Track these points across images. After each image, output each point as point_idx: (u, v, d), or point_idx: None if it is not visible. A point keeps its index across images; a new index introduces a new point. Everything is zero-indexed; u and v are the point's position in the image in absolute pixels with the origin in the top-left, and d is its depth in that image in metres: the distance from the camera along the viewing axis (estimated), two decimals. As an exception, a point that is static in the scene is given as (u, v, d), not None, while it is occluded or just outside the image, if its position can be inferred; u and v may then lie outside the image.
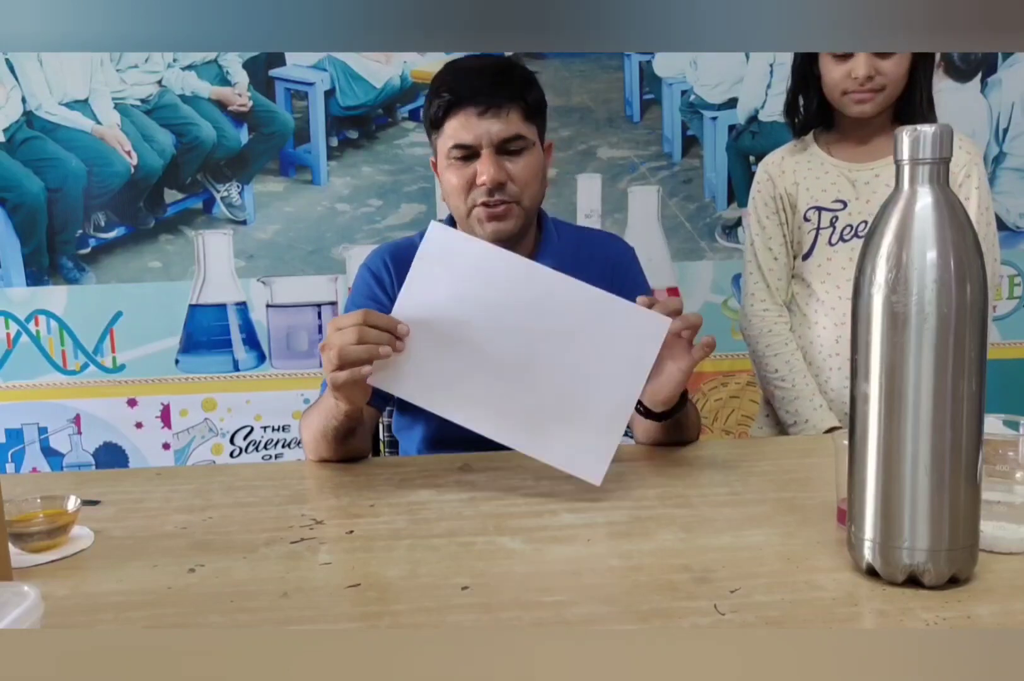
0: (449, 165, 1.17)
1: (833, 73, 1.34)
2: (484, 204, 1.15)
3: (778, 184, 1.46)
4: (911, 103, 1.35)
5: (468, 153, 1.14)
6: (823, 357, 1.44)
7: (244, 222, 2.21)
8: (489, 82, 1.14)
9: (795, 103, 1.45)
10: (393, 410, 1.33)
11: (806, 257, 1.45)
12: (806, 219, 1.44)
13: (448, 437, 1.22)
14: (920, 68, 1.33)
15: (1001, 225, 1.44)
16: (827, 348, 1.43)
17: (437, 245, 0.94)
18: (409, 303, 0.95)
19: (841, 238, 1.41)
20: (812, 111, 1.43)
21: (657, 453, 1.13)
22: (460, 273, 0.94)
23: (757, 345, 1.47)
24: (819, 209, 1.42)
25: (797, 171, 1.45)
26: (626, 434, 2.32)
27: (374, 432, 1.40)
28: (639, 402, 1.05)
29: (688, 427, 1.15)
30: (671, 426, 1.11)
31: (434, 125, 1.17)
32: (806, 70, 1.40)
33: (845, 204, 1.41)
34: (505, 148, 1.15)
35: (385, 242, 1.32)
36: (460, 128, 1.14)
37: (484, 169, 1.13)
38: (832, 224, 1.42)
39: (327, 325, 0.98)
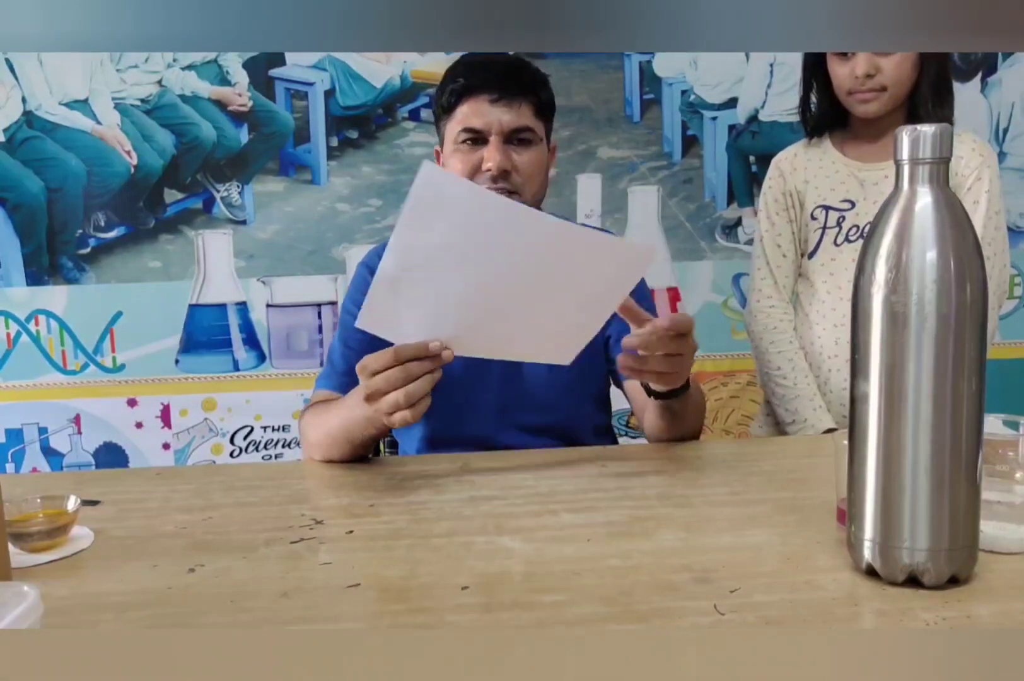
0: (456, 150, 1.18)
1: (838, 73, 1.34)
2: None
3: (789, 181, 1.46)
4: (917, 103, 1.34)
5: (476, 138, 1.16)
6: (823, 358, 1.44)
7: (244, 222, 2.21)
8: (504, 74, 1.17)
9: (807, 104, 1.45)
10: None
11: (811, 256, 1.45)
12: (813, 217, 1.43)
13: (448, 436, 1.23)
14: (925, 68, 1.32)
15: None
16: (827, 349, 1.43)
17: (429, 186, 0.93)
18: (402, 245, 0.95)
19: (847, 239, 1.41)
20: (824, 111, 1.43)
21: (657, 453, 1.13)
22: (451, 214, 0.93)
23: (761, 342, 1.47)
24: (826, 208, 1.42)
25: (808, 169, 1.44)
26: (627, 434, 2.33)
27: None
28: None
29: (687, 417, 1.14)
30: (669, 412, 1.11)
31: (445, 110, 1.19)
32: (815, 69, 1.40)
33: (853, 204, 1.40)
34: (513, 138, 1.16)
35: (384, 241, 1.32)
36: (471, 113, 1.16)
37: (491, 156, 1.15)
38: (839, 224, 1.41)
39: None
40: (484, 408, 1.24)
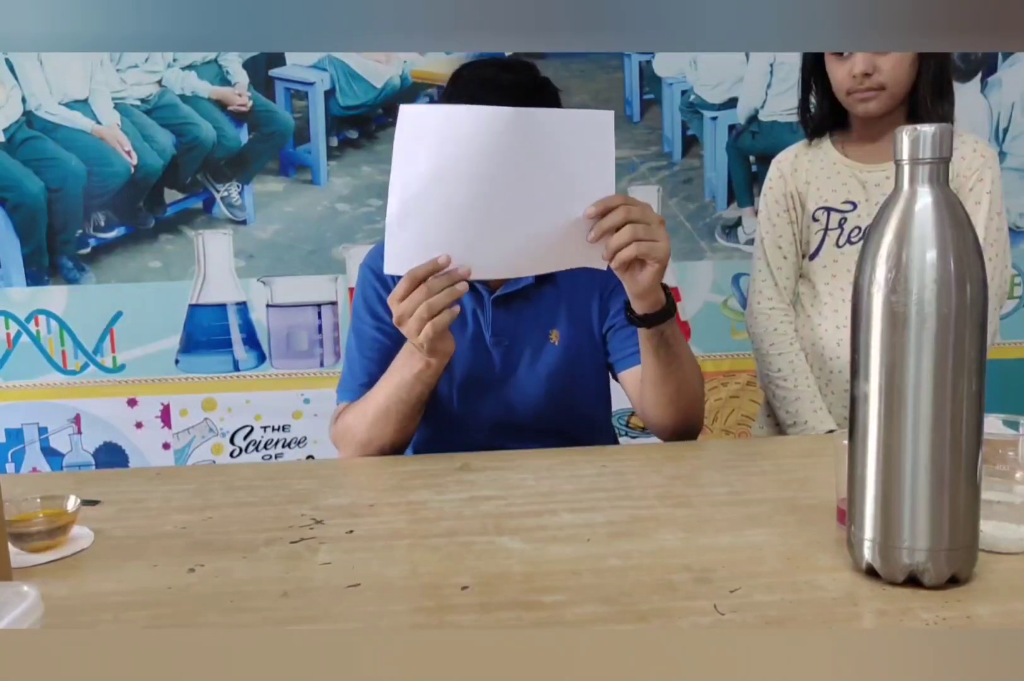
0: None
1: (837, 73, 1.34)
2: None
3: (789, 182, 1.45)
4: (917, 102, 1.34)
5: None
6: (825, 359, 1.43)
7: (244, 222, 2.21)
8: (514, 88, 1.12)
9: (806, 105, 1.45)
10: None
11: (812, 257, 1.45)
12: (814, 219, 1.43)
13: (445, 446, 1.22)
14: (924, 66, 1.32)
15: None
16: (829, 350, 1.43)
17: (410, 125, 0.99)
18: (399, 184, 0.99)
19: (849, 240, 1.40)
20: (824, 112, 1.42)
21: (657, 453, 1.13)
22: (435, 140, 0.98)
23: (761, 343, 1.47)
24: (828, 210, 1.42)
25: (809, 170, 1.44)
26: (627, 434, 2.32)
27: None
28: (627, 308, 1.08)
29: (682, 355, 1.13)
30: (663, 347, 1.10)
31: None
32: (814, 70, 1.40)
33: (855, 205, 1.40)
34: None
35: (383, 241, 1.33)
36: None
37: None
38: (840, 225, 1.41)
39: (390, 302, 1.02)
40: (482, 412, 1.24)
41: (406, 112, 0.99)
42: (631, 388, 1.25)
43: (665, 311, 1.07)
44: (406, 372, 1.09)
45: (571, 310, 1.26)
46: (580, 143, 0.99)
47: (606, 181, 1.00)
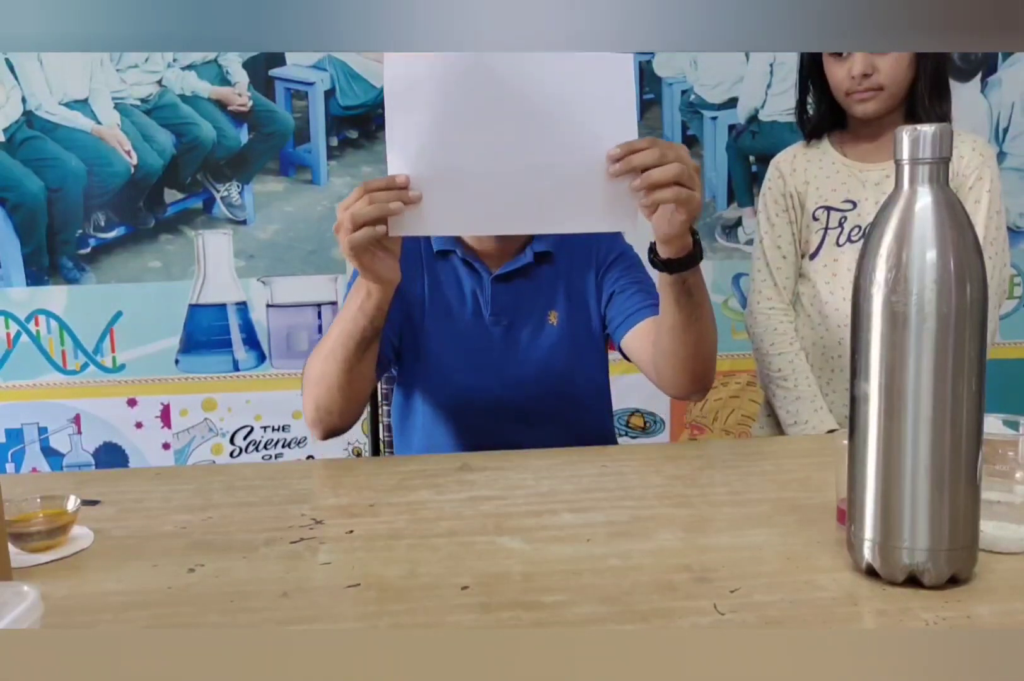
0: None
1: (835, 74, 1.34)
2: None
3: (788, 182, 1.45)
4: (915, 101, 1.34)
5: None
6: (826, 358, 1.44)
7: (244, 222, 2.21)
8: None
9: (804, 106, 1.45)
10: (392, 396, 1.33)
11: (812, 256, 1.45)
12: (814, 218, 1.43)
13: (449, 399, 1.22)
14: (922, 66, 1.32)
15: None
16: (831, 349, 1.43)
17: (399, 74, 0.93)
18: (397, 141, 0.94)
19: (849, 239, 1.40)
20: (822, 113, 1.42)
21: (657, 453, 1.13)
22: (431, 91, 0.93)
23: (761, 344, 1.47)
24: (828, 209, 1.42)
25: (808, 170, 1.44)
26: (627, 434, 2.32)
27: (374, 431, 1.40)
28: (652, 252, 1.03)
29: (703, 304, 1.08)
30: (685, 294, 1.05)
31: None
32: (812, 72, 1.40)
33: (855, 204, 1.40)
34: None
35: None
36: None
37: None
38: (840, 224, 1.41)
39: (337, 209, 0.98)
40: (481, 388, 1.24)
41: (393, 61, 0.93)
42: (638, 347, 1.20)
43: (691, 257, 1.01)
44: (352, 304, 1.05)
45: (569, 289, 1.26)
46: (597, 88, 0.93)
47: (628, 128, 0.94)
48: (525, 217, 0.97)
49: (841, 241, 1.41)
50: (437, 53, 0.97)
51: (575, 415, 1.27)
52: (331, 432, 1.15)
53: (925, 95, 1.33)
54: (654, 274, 1.10)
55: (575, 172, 0.94)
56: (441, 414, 1.25)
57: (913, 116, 1.35)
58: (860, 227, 1.39)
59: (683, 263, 1.01)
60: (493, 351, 1.24)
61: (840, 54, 1.33)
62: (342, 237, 0.95)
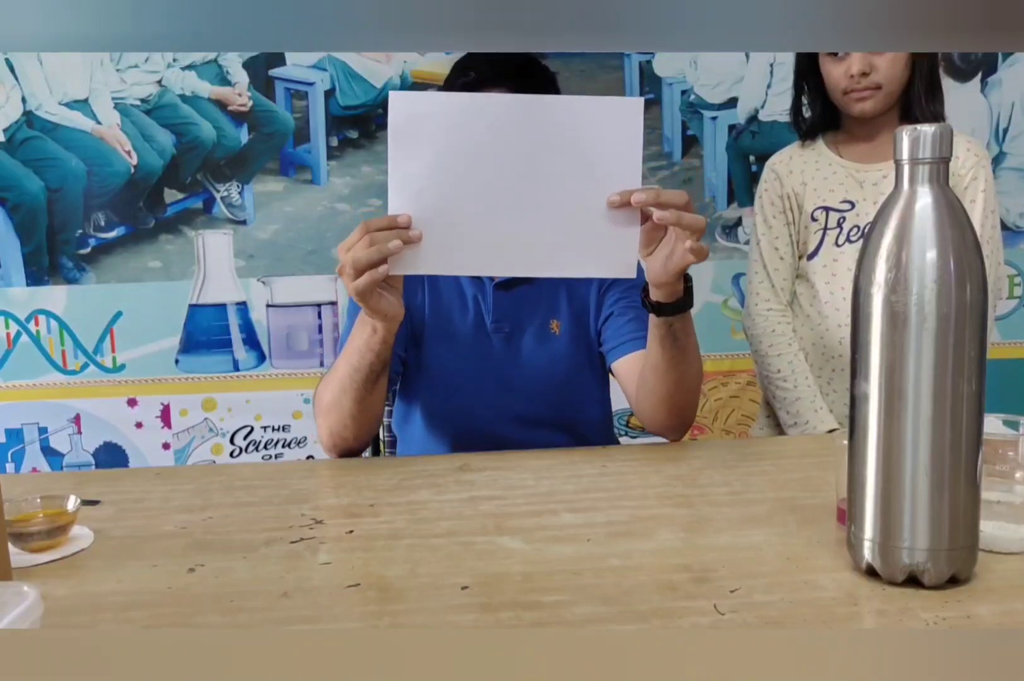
0: None
1: (832, 73, 1.34)
2: None
3: (785, 183, 1.46)
4: (911, 101, 1.35)
5: None
6: (826, 358, 1.44)
7: (244, 222, 2.21)
8: (515, 70, 1.16)
9: (799, 106, 1.45)
10: (394, 402, 1.33)
11: (811, 257, 1.45)
12: (813, 219, 1.43)
13: (444, 424, 1.22)
14: (917, 65, 1.33)
15: (1001, 225, 1.44)
16: (831, 349, 1.43)
17: (404, 114, 0.93)
18: (399, 179, 0.95)
19: (848, 239, 1.41)
20: (817, 113, 1.43)
21: (657, 453, 1.13)
22: (435, 130, 0.93)
23: (760, 345, 1.47)
24: (827, 209, 1.42)
25: (805, 171, 1.44)
26: (626, 434, 2.32)
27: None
28: (644, 290, 1.04)
29: (688, 348, 1.09)
30: (670, 337, 1.06)
31: None
32: (807, 72, 1.40)
33: (853, 205, 1.40)
34: None
35: None
36: None
37: None
38: (839, 225, 1.41)
39: (338, 250, 0.99)
40: (481, 399, 1.24)
41: (398, 99, 0.93)
42: (625, 376, 1.22)
43: (681, 303, 1.03)
44: (357, 339, 1.06)
45: (572, 298, 1.26)
46: (605, 132, 0.93)
47: (632, 174, 0.94)
48: (524, 260, 0.98)
49: (840, 241, 1.41)
50: (443, 92, 0.99)
51: (576, 422, 1.27)
52: (346, 454, 1.17)
53: (921, 95, 1.34)
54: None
55: (577, 216, 0.95)
56: (442, 420, 1.25)
57: (908, 116, 1.36)
58: (859, 227, 1.40)
59: (672, 308, 1.03)
60: (494, 358, 1.24)
61: (837, 53, 1.33)
62: (346, 282, 0.97)
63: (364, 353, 1.06)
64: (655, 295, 1.03)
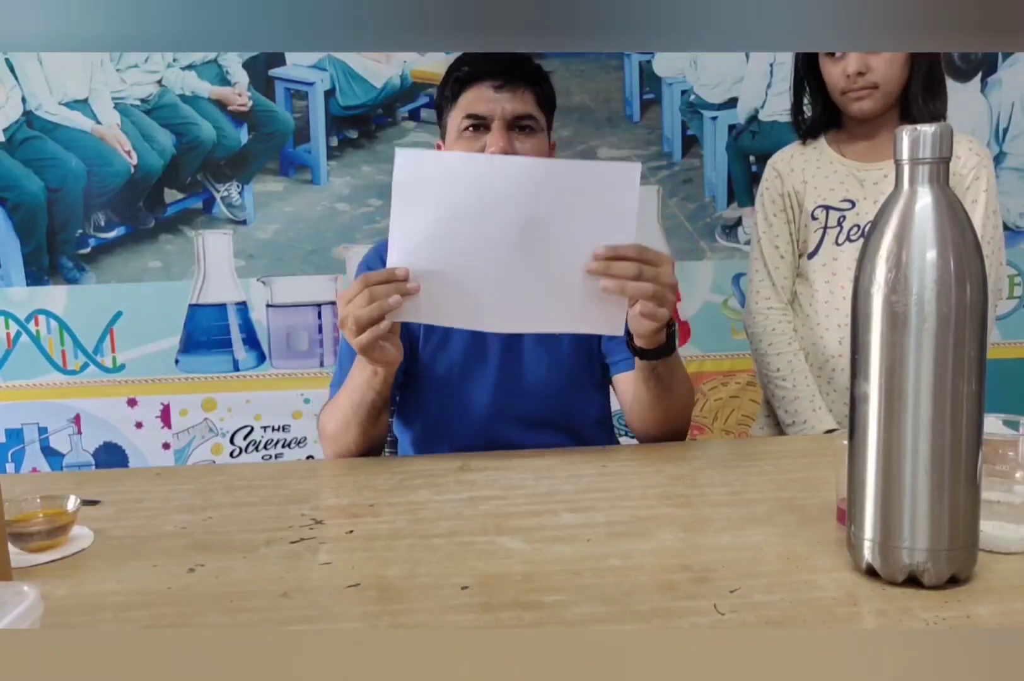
0: (459, 138, 1.19)
1: (831, 73, 1.35)
2: None
3: (786, 181, 1.46)
4: (910, 100, 1.35)
5: (479, 124, 1.17)
6: (826, 357, 1.44)
7: (244, 222, 2.21)
8: (508, 64, 1.19)
9: (799, 106, 1.45)
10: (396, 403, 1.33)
11: (811, 256, 1.45)
12: (813, 218, 1.43)
13: (445, 430, 1.23)
14: (916, 64, 1.33)
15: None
16: (831, 348, 1.43)
17: (408, 170, 0.97)
18: (400, 232, 0.98)
19: (848, 238, 1.41)
20: (817, 113, 1.43)
21: (657, 453, 1.13)
22: (438, 189, 0.96)
23: (760, 344, 1.47)
24: (827, 208, 1.42)
25: (806, 169, 1.44)
26: (627, 434, 2.32)
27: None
28: (627, 334, 1.07)
29: (674, 387, 1.13)
30: (655, 378, 1.10)
31: (450, 99, 1.21)
32: (808, 72, 1.40)
33: (853, 204, 1.40)
34: (516, 126, 1.18)
35: (384, 241, 1.33)
36: (475, 100, 1.18)
37: (494, 141, 1.16)
38: (839, 224, 1.41)
39: (338, 301, 1.02)
40: (481, 400, 1.24)
41: (403, 157, 0.97)
42: (620, 393, 1.26)
43: (663, 348, 1.07)
44: (358, 378, 1.09)
45: None
46: (602, 195, 0.97)
47: (626, 235, 0.97)
48: (517, 316, 1.02)
49: (840, 240, 1.41)
50: (446, 152, 1.04)
51: (576, 424, 1.27)
52: None
53: (920, 94, 1.34)
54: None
55: (569, 276, 0.98)
56: (442, 421, 1.25)
57: (907, 115, 1.36)
58: (859, 226, 1.40)
59: (654, 353, 1.07)
60: (495, 360, 1.24)
61: (835, 53, 1.33)
62: (348, 336, 1.00)
63: (365, 391, 1.09)
64: (638, 341, 1.06)
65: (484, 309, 1.00)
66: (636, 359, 1.10)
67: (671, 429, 1.19)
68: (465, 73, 1.18)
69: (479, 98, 1.17)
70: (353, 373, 1.11)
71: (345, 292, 1.00)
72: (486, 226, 0.96)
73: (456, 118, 1.19)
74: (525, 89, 1.18)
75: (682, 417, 1.19)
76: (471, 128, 1.18)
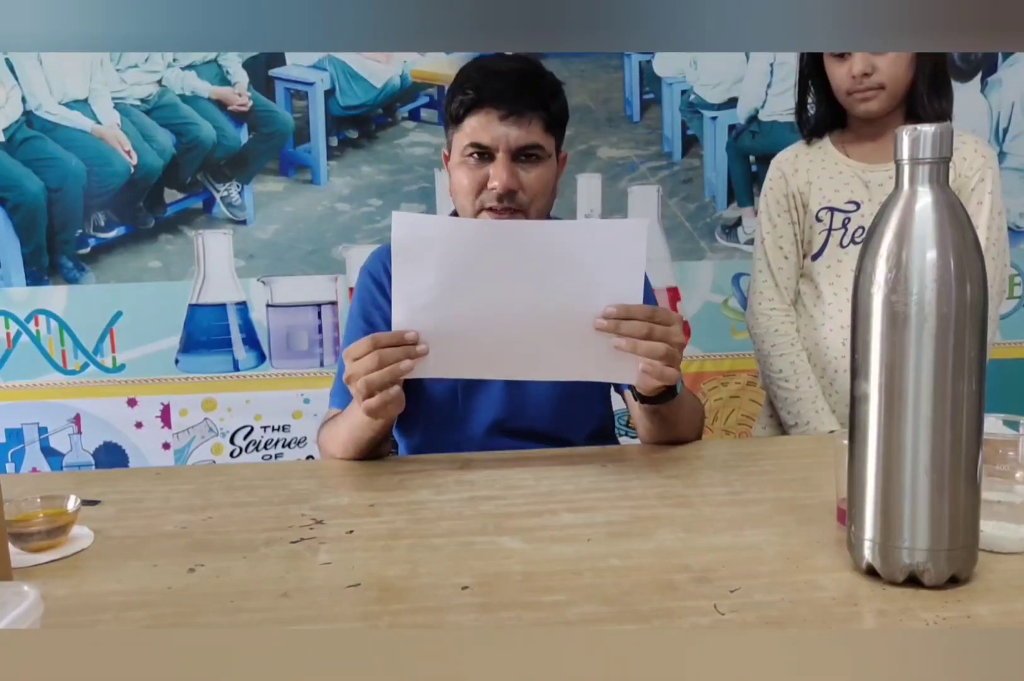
0: (463, 163, 1.16)
1: (836, 73, 1.34)
2: (492, 209, 1.15)
3: (791, 182, 1.45)
4: (915, 100, 1.34)
5: (483, 153, 1.14)
6: (829, 358, 1.43)
7: (244, 222, 2.21)
8: (515, 86, 1.14)
9: (804, 107, 1.45)
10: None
11: (815, 257, 1.44)
12: (818, 219, 1.43)
13: (443, 448, 1.23)
14: (921, 64, 1.33)
15: (1004, 225, 1.43)
16: (834, 350, 1.43)
17: (407, 233, 0.97)
18: (404, 295, 0.98)
19: (853, 240, 1.40)
20: (822, 113, 1.43)
21: (657, 453, 1.13)
22: (438, 251, 0.96)
23: (763, 344, 1.47)
24: (832, 210, 1.42)
25: (811, 170, 1.44)
26: (627, 434, 2.32)
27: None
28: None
29: (679, 423, 1.14)
30: (658, 417, 1.11)
31: (454, 120, 1.17)
32: (812, 72, 1.40)
33: (858, 205, 1.40)
34: (521, 155, 1.14)
35: (384, 243, 1.32)
36: (480, 128, 1.13)
37: (497, 174, 1.13)
38: (844, 225, 1.41)
39: (342, 354, 1.02)
40: (484, 414, 1.23)
41: (401, 220, 0.97)
42: (629, 406, 1.24)
43: (666, 395, 1.07)
44: (359, 418, 1.07)
45: None
46: (609, 252, 0.96)
47: (634, 291, 0.97)
48: (529, 365, 1.02)
49: (845, 242, 1.41)
50: (444, 217, 1.04)
51: (577, 438, 1.26)
52: None
53: (925, 94, 1.33)
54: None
55: (580, 330, 0.98)
56: (443, 433, 1.24)
57: (913, 115, 1.35)
58: (864, 228, 1.39)
59: (655, 399, 1.07)
60: (493, 397, 1.23)
61: (840, 54, 1.33)
62: (356, 397, 1.00)
63: (365, 429, 1.09)
64: (642, 389, 1.05)
65: (495, 360, 1.01)
66: (639, 404, 1.09)
67: (682, 442, 1.18)
68: (471, 98, 1.13)
69: (484, 127, 1.13)
70: (353, 409, 1.08)
71: (352, 348, 0.98)
72: (491, 287, 0.97)
73: (460, 142, 1.16)
74: (532, 116, 1.13)
75: (691, 438, 1.18)
76: (475, 155, 1.14)
